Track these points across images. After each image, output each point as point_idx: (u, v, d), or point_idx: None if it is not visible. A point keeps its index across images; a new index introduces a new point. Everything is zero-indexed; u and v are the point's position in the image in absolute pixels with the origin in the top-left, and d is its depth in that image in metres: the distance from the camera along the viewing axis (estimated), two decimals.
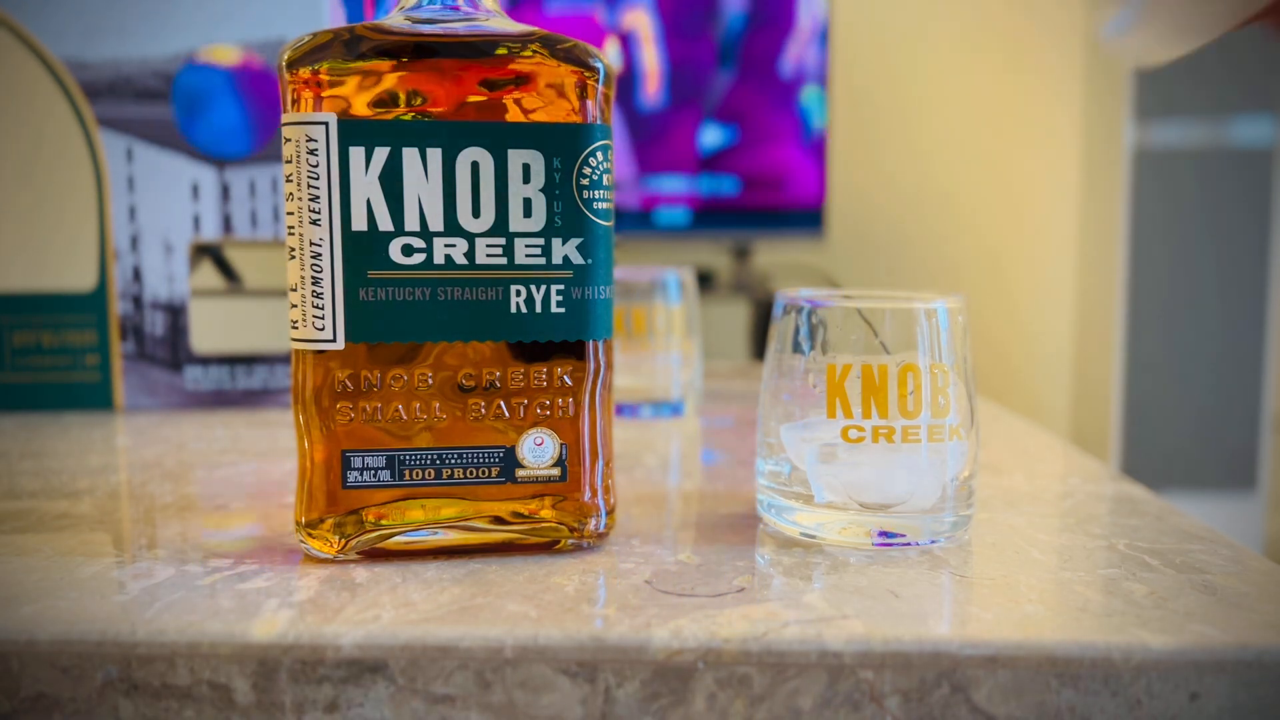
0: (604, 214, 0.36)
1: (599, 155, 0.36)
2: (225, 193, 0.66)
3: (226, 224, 0.66)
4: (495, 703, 0.29)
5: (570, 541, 0.37)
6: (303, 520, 0.36)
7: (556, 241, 0.36)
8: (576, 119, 0.36)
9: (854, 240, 1.54)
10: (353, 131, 0.34)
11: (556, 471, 0.37)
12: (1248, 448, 1.64)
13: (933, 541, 0.38)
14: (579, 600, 0.32)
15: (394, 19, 0.36)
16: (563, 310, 0.36)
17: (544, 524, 0.37)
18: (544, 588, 0.33)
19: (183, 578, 0.34)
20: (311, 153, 0.34)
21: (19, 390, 0.67)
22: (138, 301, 0.67)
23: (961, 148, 1.55)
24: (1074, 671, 0.29)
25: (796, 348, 0.39)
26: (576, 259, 0.36)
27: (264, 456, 0.54)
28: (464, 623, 0.30)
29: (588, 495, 0.37)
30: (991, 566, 0.36)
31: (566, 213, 0.36)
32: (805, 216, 1.36)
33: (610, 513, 0.38)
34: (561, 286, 0.36)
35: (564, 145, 0.35)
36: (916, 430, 0.37)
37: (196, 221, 0.66)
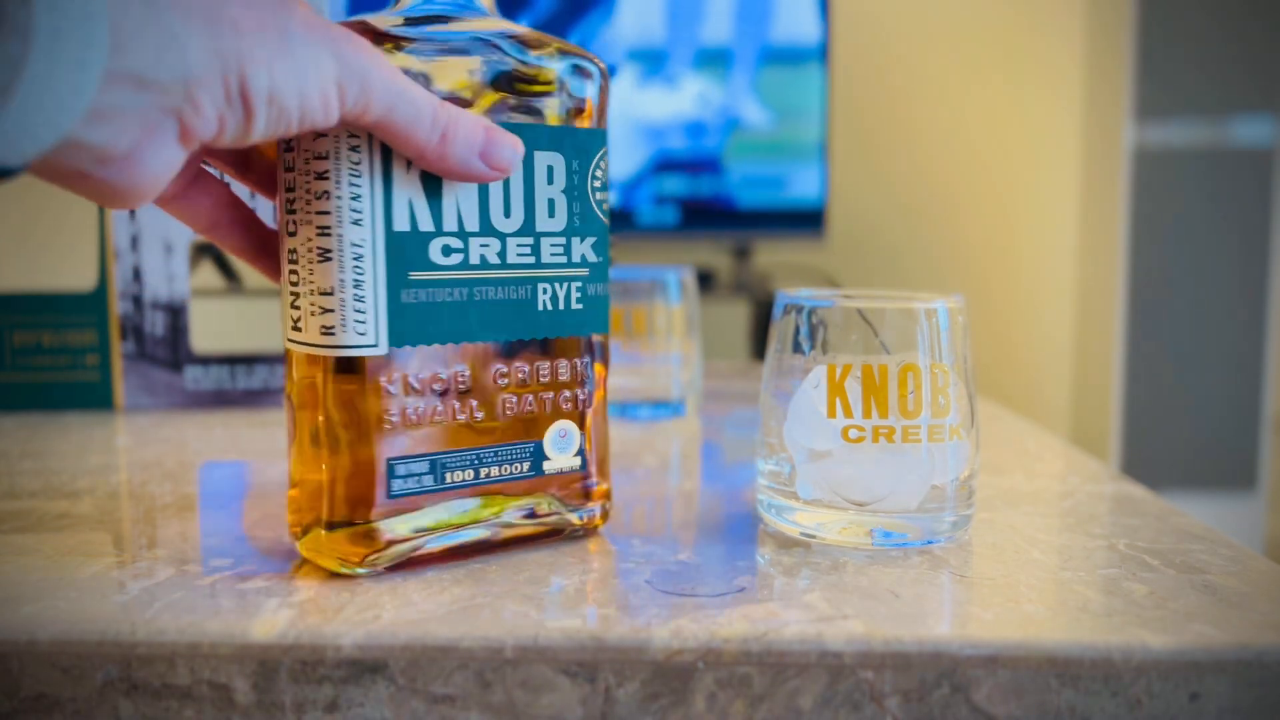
0: (607, 214, 0.38)
1: (605, 159, 0.38)
2: None
3: None
4: (495, 703, 0.29)
5: (581, 528, 0.39)
6: (324, 531, 0.34)
7: (575, 240, 0.37)
8: (589, 124, 0.37)
9: (854, 240, 1.54)
10: None
11: (577, 462, 0.38)
12: (1248, 448, 1.64)
13: (933, 541, 0.38)
14: (579, 600, 0.32)
15: (388, 18, 0.35)
16: (580, 307, 0.38)
17: (564, 513, 0.38)
18: (544, 588, 0.33)
19: (183, 578, 0.34)
20: (354, 149, 0.32)
21: (19, 390, 0.67)
22: (138, 301, 0.67)
23: (962, 148, 1.55)
24: (1074, 671, 0.29)
25: (796, 348, 0.39)
26: (591, 257, 0.38)
27: (264, 456, 0.54)
28: (464, 623, 0.30)
29: (597, 482, 0.39)
30: (991, 566, 0.36)
31: (583, 213, 0.37)
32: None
33: (609, 497, 0.40)
34: (579, 284, 0.38)
35: (581, 148, 0.37)
36: (917, 430, 0.37)
37: None
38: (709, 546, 0.38)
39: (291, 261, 0.34)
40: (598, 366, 0.39)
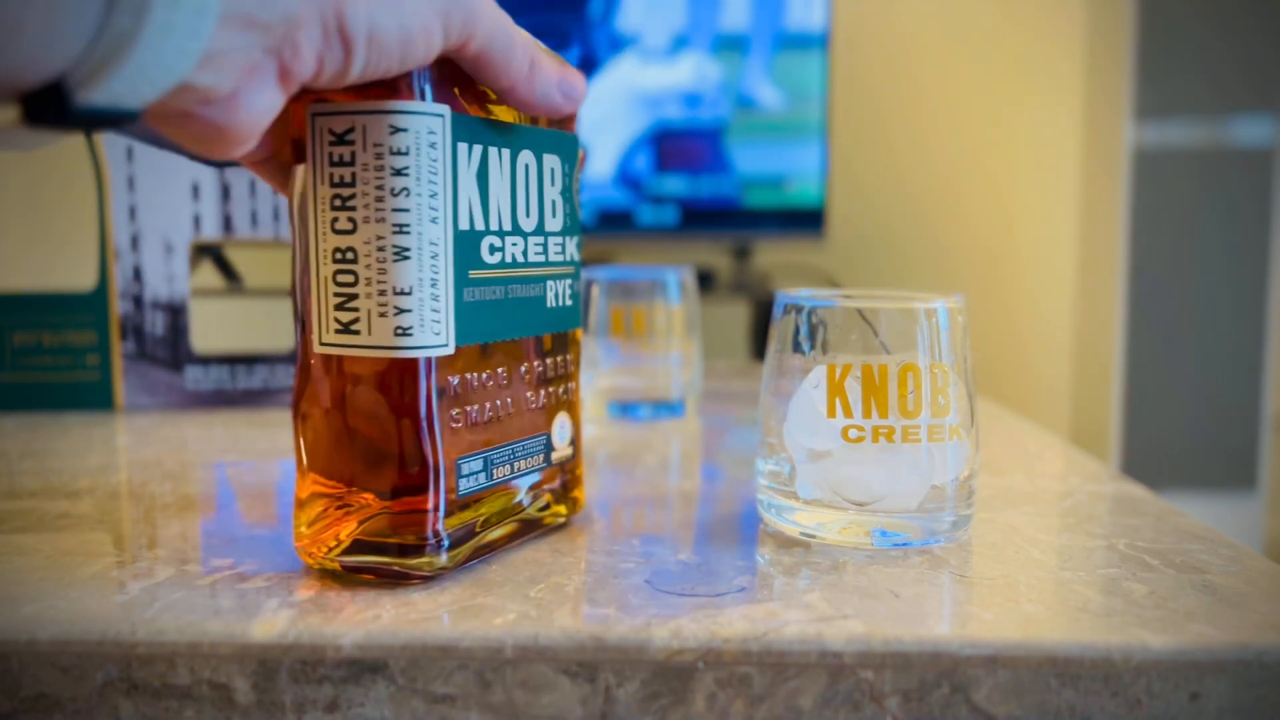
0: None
1: (583, 163, 0.40)
2: (225, 192, 0.66)
3: (227, 224, 0.66)
4: (495, 703, 0.29)
5: (567, 516, 0.40)
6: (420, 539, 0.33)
7: (568, 239, 0.39)
8: (571, 129, 0.39)
9: (854, 240, 1.53)
10: (460, 127, 0.33)
11: (571, 450, 0.40)
12: (1248, 448, 1.64)
13: (933, 541, 0.38)
14: (579, 600, 0.32)
15: None
16: (571, 303, 0.40)
17: (562, 500, 0.40)
18: (544, 588, 0.33)
19: (183, 578, 0.34)
20: (432, 146, 0.32)
21: (19, 390, 0.67)
22: (138, 301, 0.67)
23: (962, 148, 1.55)
24: (1074, 671, 0.29)
25: (796, 348, 0.39)
26: (576, 255, 0.40)
27: (264, 456, 0.54)
28: (464, 623, 0.30)
29: (577, 472, 0.41)
30: (991, 566, 0.36)
31: (572, 213, 0.39)
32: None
33: (582, 485, 0.42)
34: (570, 281, 0.39)
35: (569, 152, 0.39)
36: (916, 430, 0.37)
37: (197, 221, 0.66)
38: (709, 546, 0.38)
39: (343, 260, 0.32)
40: (580, 357, 0.41)
